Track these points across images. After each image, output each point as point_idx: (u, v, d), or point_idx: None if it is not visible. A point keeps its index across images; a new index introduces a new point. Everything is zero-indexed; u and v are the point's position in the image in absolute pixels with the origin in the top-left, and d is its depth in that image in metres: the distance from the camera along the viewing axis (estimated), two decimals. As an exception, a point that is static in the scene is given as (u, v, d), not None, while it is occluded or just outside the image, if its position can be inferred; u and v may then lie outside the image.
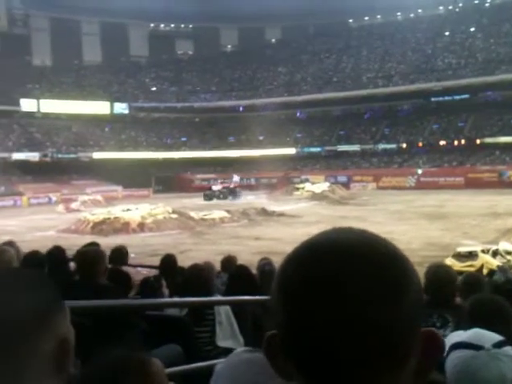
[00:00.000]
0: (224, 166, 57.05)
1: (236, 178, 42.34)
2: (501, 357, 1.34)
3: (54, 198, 43.50)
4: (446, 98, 54.42)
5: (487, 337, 1.43)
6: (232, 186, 39.36)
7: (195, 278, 3.70)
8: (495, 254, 12.57)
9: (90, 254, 3.21)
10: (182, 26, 79.36)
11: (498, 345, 1.38)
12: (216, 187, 39.22)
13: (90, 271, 3.01)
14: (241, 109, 62.80)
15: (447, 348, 1.37)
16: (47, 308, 0.82)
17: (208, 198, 37.21)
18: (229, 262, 6.45)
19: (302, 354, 0.53)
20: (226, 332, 3.54)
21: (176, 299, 3.60)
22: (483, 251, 12.68)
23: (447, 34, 60.72)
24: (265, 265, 4.51)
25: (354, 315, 0.51)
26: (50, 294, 0.84)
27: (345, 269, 0.52)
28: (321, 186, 40.83)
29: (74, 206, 35.44)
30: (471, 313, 2.18)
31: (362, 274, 0.52)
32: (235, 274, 4.48)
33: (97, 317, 2.46)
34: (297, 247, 0.57)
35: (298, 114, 61.89)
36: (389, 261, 0.54)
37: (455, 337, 1.45)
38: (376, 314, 0.51)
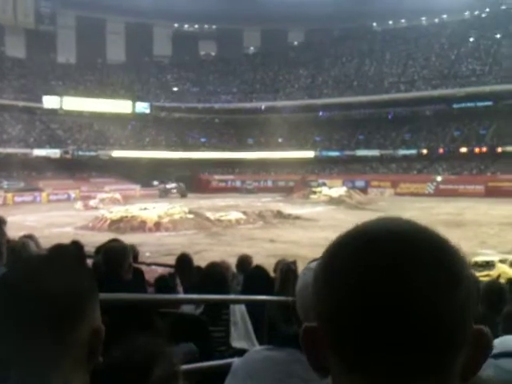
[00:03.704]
0: (242, 168, 57.16)
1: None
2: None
3: (73, 195, 44.00)
4: (469, 104, 53.78)
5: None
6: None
7: (212, 276, 3.72)
8: (514, 264, 12.42)
9: (117, 248, 3.24)
10: (206, 26, 79.74)
11: (503, 355, 1.35)
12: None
13: (116, 266, 3.04)
14: (261, 111, 62.80)
15: None
16: (87, 295, 0.83)
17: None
18: (244, 262, 6.46)
19: (357, 342, 0.51)
20: (241, 333, 3.54)
21: (193, 295, 3.61)
22: (501, 261, 12.53)
23: (472, 39, 60.01)
24: (289, 264, 4.47)
25: (415, 303, 0.50)
26: (89, 282, 0.86)
27: (405, 256, 0.51)
28: (338, 190, 40.65)
29: (92, 203, 35.81)
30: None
31: (421, 262, 0.51)
32: (252, 275, 4.47)
33: (113, 311, 2.49)
34: (344, 236, 0.56)
35: (321, 114, 61.55)
36: (445, 249, 0.53)
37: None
38: (435, 301, 0.50)
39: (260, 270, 4.58)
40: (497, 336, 1.67)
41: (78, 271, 0.86)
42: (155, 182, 49.38)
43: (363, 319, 0.51)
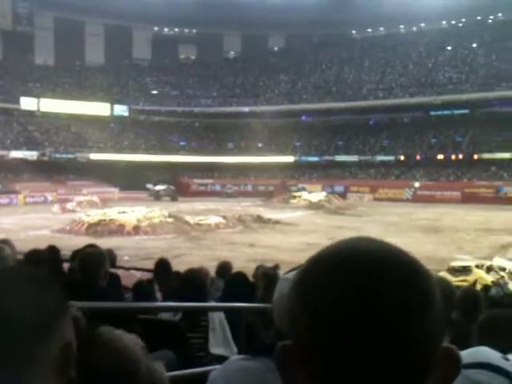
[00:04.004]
0: (222, 172, 57.08)
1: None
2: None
3: (50, 198, 43.42)
4: (445, 112, 54.58)
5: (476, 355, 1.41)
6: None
7: (191, 281, 3.69)
8: (489, 269, 12.59)
9: (93, 255, 3.21)
10: (186, 30, 79.60)
11: (471, 366, 1.36)
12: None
13: (92, 273, 3.01)
14: (241, 115, 62.86)
15: None
16: (57, 310, 0.78)
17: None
18: (224, 267, 6.45)
19: (331, 357, 0.51)
20: (219, 339, 3.53)
21: (172, 303, 3.59)
22: (477, 266, 12.69)
23: (449, 48, 61.04)
24: (274, 268, 4.40)
25: (390, 322, 0.50)
26: (60, 295, 0.81)
27: (379, 276, 0.52)
28: (317, 195, 40.86)
29: (69, 206, 35.32)
30: (491, 327, 2.14)
31: (395, 283, 0.52)
32: (233, 281, 4.45)
33: (91, 319, 2.45)
34: (319, 256, 0.56)
35: (304, 118, 61.71)
36: (416, 270, 0.54)
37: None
38: (409, 321, 0.51)
39: (240, 275, 4.56)
40: (471, 344, 1.68)
41: (47, 284, 0.80)
42: (148, 185, 48.72)
43: (339, 335, 0.51)
